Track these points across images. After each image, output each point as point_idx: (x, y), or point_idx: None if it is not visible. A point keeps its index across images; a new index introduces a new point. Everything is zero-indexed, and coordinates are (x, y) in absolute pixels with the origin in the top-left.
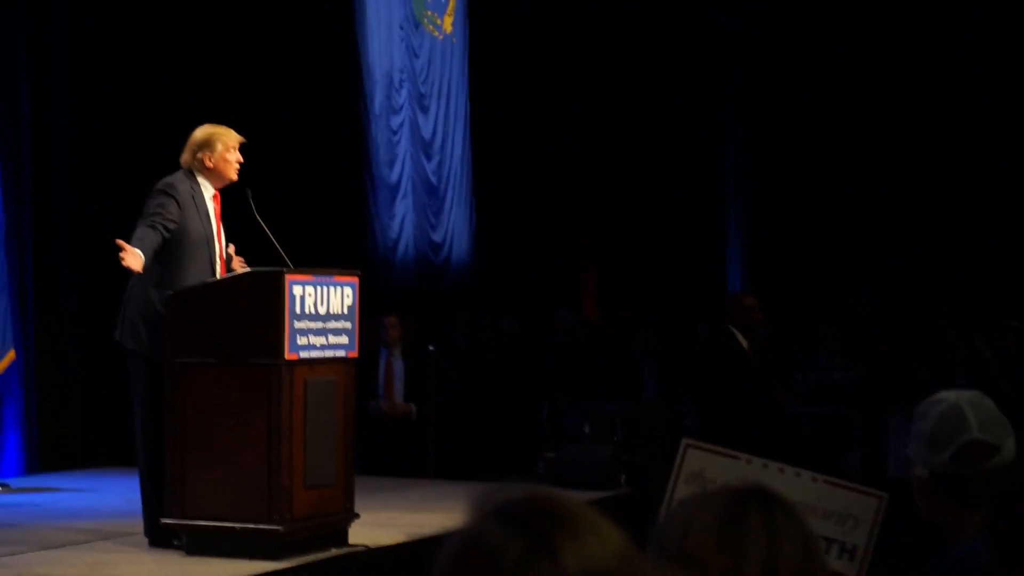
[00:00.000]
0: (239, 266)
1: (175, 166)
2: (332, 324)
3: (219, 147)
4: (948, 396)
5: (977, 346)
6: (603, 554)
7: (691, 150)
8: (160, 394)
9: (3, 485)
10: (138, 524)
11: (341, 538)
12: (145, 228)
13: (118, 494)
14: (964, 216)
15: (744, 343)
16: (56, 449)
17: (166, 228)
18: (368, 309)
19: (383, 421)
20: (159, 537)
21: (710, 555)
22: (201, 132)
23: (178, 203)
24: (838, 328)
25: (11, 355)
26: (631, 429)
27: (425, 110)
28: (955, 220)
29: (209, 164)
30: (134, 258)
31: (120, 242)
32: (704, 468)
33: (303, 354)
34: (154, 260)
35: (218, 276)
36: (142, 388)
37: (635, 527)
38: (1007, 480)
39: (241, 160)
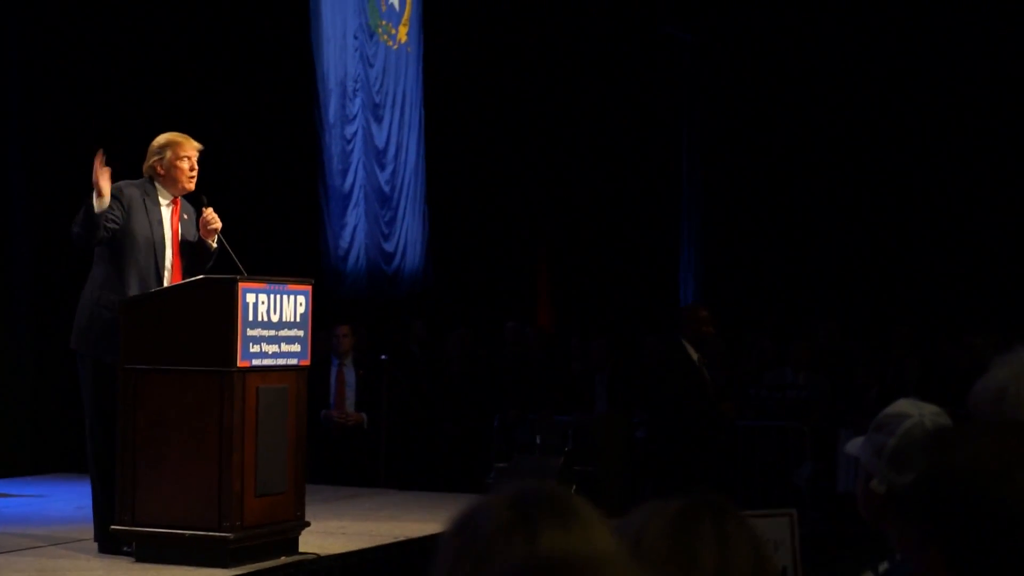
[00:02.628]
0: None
1: (129, 173)
2: (285, 332)
3: (168, 154)
4: (911, 411)
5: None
6: (582, 546)
7: (646, 162)
8: (106, 396)
9: None
10: (88, 530)
11: (291, 546)
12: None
13: (68, 500)
14: (920, 230)
15: (695, 356)
16: (5, 455)
17: (106, 227)
18: (319, 318)
19: (334, 430)
20: (109, 543)
21: (662, 564)
22: (159, 139)
23: (123, 205)
24: (807, 344)
25: None
26: (582, 440)
27: (379, 119)
28: (911, 235)
29: (161, 171)
30: (104, 179)
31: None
32: None
33: (255, 362)
34: (99, 262)
35: (166, 283)
36: (89, 390)
37: None
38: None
39: (195, 168)
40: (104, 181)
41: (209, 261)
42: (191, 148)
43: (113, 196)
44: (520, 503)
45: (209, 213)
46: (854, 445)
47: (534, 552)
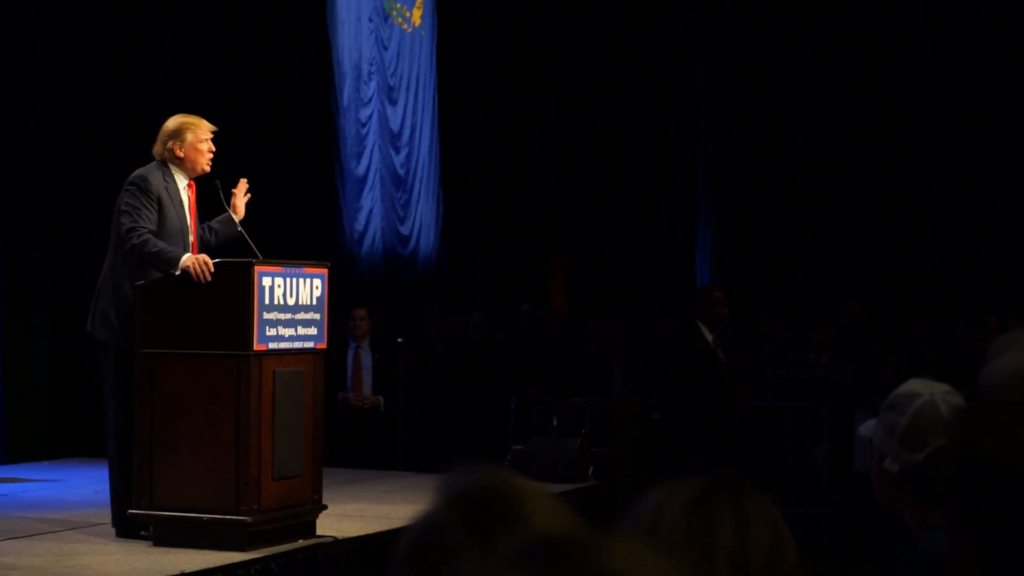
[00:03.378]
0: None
1: (144, 156)
2: (301, 315)
3: (189, 136)
4: (922, 390)
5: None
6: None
7: (661, 144)
8: (130, 385)
9: None
10: (106, 515)
11: (309, 529)
12: (148, 235)
13: (85, 485)
14: (938, 212)
15: (709, 337)
16: (23, 440)
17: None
18: (336, 301)
19: (351, 413)
20: (126, 528)
21: (679, 545)
22: (172, 122)
23: (152, 198)
24: (831, 326)
25: None
26: (599, 422)
27: (393, 102)
28: (930, 216)
29: (180, 153)
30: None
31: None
32: None
33: (272, 345)
34: (119, 248)
35: None
36: (112, 379)
37: (603, 519)
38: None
39: (213, 150)
40: (196, 275)
41: (231, 238)
42: (207, 130)
43: (142, 190)
44: (464, 505)
45: (244, 184)
46: (867, 427)
47: (534, 534)
